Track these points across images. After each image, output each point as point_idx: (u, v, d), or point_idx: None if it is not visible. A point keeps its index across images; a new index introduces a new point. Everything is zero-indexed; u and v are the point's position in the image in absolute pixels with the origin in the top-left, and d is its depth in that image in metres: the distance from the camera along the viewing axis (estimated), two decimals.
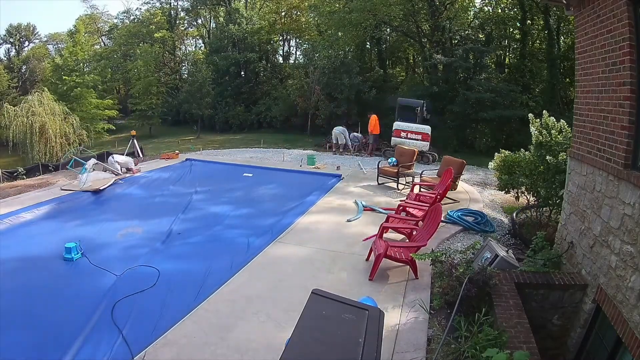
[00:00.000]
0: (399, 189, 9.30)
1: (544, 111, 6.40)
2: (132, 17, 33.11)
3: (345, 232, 6.62)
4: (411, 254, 4.84)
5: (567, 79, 18.58)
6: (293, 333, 2.35)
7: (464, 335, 3.60)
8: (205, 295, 4.57)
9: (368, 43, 23.77)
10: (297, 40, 30.97)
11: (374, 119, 14.14)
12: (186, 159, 13.12)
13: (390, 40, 24.62)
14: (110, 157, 10.97)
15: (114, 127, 25.74)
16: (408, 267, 5.08)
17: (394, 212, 6.81)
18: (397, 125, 13.29)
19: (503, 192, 7.55)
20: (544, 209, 6.52)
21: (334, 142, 15.12)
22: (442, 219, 5.93)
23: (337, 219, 7.25)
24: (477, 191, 9.39)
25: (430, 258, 4.61)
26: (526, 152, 6.65)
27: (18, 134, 17.13)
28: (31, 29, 38.65)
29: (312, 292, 2.69)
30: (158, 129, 27.14)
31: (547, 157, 5.62)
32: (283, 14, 30.21)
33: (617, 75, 3.57)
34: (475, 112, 17.72)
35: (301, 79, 22.04)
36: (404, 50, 25.29)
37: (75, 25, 29.25)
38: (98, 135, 23.00)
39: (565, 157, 5.26)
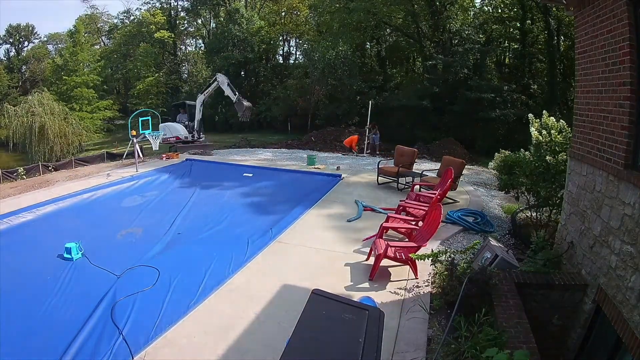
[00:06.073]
0: (399, 189, 9.30)
1: (544, 111, 6.39)
2: (132, 18, 33.17)
3: (345, 232, 6.62)
4: (411, 254, 4.83)
5: (567, 79, 18.60)
6: (293, 333, 2.35)
7: (464, 335, 3.59)
8: (205, 295, 4.57)
9: (368, 43, 23.78)
10: (297, 41, 31.00)
11: None
12: (186, 159, 13.12)
13: (390, 40, 24.63)
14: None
15: (113, 127, 25.75)
16: (408, 267, 5.08)
17: (394, 212, 6.81)
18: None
19: (503, 192, 7.54)
20: (544, 209, 6.51)
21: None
22: (442, 219, 5.93)
23: (337, 218, 7.25)
24: (477, 191, 9.39)
25: (430, 258, 4.60)
26: (526, 152, 6.63)
27: (18, 134, 17.16)
28: (31, 29, 38.69)
29: (312, 292, 2.69)
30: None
31: (547, 157, 5.61)
32: (283, 14, 30.23)
33: (617, 75, 3.56)
34: (475, 112, 17.73)
35: (301, 79, 22.05)
36: (404, 50, 25.30)
37: (75, 26, 29.28)
38: (98, 135, 23.02)
39: (565, 157, 5.26)
